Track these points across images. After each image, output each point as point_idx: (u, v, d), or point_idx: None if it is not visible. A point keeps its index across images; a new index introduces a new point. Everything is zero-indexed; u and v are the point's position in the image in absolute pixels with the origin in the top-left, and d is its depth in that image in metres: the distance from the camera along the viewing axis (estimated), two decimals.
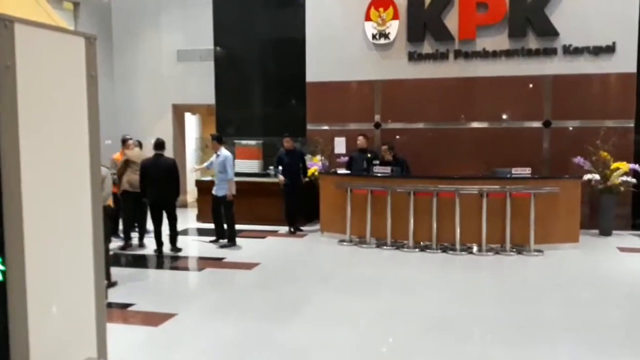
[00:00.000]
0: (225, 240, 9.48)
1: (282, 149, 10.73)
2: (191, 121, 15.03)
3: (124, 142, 9.87)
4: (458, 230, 8.95)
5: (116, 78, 13.94)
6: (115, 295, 6.60)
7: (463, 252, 8.87)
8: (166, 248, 9.05)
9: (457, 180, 9.35)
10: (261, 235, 10.35)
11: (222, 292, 7.08)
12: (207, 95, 12.84)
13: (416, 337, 5.38)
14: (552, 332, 5.50)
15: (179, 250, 9.05)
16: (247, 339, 5.33)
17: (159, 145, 9.04)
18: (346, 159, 11.05)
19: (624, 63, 10.41)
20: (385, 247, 9.25)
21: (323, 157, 11.55)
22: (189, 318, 6.03)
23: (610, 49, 10.43)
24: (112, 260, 7.85)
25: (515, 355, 4.94)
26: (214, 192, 9.52)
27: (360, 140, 10.75)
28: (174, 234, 9.08)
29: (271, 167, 11.34)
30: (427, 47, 11.29)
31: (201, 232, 10.79)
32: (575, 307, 6.29)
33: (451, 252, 8.91)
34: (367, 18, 11.46)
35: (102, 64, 12.50)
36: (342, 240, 9.67)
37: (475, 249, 8.99)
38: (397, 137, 11.41)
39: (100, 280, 2.39)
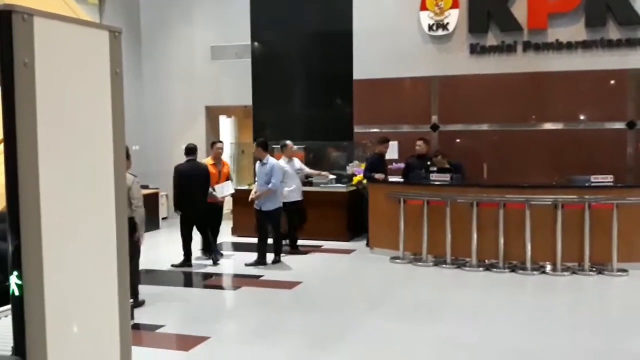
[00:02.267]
0: (271, 260, 9.46)
1: (375, 154, 10.57)
2: (226, 124, 15.22)
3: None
4: (529, 247, 8.78)
5: (144, 77, 14.24)
6: (142, 316, 6.72)
7: (535, 272, 8.72)
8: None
9: (528, 189, 9.20)
10: (303, 250, 10.37)
11: (259, 313, 7.11)
12: (243, 95, 13.00)
13: None
14: None
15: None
16: None
17: (192, 150, 9.24)
18: (400, 165, 10.99)
19: None
20: (444, 266, 9.14)
21: None
22: (223, 342, 6.09)
23: None
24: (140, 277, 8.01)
25: None
26: (256, 206, 9.52)
27: (420, 146, 10.64)
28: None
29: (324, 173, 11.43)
30: (491, 39, 11.16)
31: (237, 246, 10.89)
32: None
33: (521, 271, 8.76)
34: (423, 7, 11.41)
35: (129, 63, 12.80)
36: (394, 258, 9.61)
37: (548, 268, 8.82)
38: (458, 140, 11.29)
39: (126, 298, 2.41)
